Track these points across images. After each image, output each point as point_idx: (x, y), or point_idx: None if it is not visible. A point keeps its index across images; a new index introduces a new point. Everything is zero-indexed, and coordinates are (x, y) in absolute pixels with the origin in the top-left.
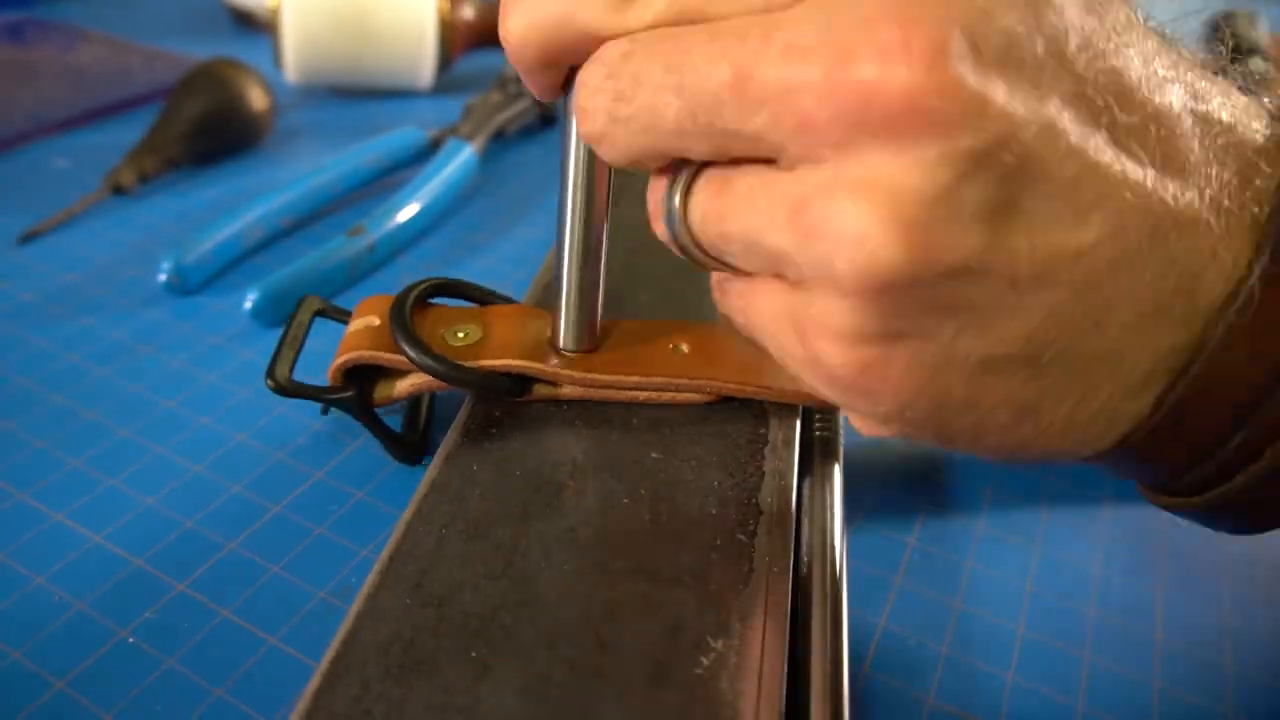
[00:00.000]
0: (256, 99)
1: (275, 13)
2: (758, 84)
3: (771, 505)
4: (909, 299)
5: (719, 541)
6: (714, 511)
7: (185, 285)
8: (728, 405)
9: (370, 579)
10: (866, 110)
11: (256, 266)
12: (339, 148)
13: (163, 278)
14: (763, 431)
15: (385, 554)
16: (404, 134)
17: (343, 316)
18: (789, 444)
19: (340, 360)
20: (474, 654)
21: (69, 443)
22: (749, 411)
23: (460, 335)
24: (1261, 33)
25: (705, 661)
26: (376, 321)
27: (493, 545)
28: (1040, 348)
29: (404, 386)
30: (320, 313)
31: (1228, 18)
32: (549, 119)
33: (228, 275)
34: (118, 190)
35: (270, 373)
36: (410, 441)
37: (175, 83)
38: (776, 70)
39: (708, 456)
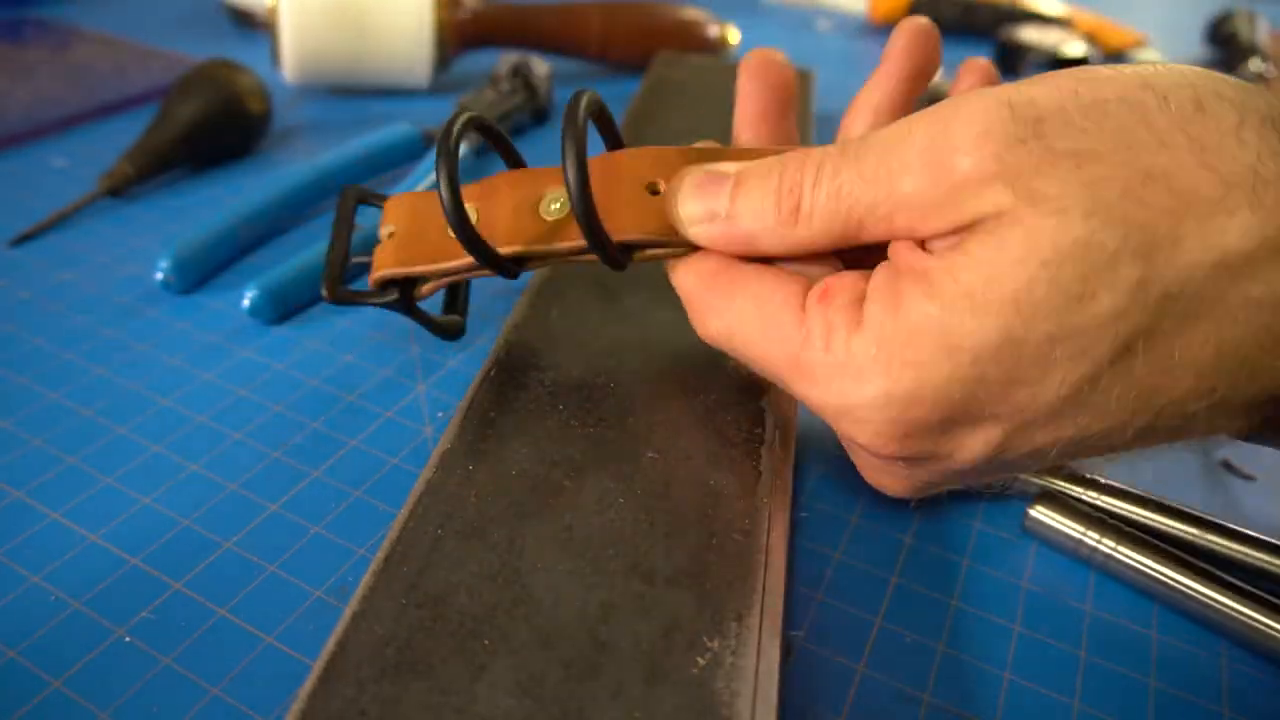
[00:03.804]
0: (253, 101)
1: (273, 12)
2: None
3: (767, 504)
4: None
5: (715, 541)
6: (710, 511)
7: (182, 284)
8: (725, 404)
9: (366, 579)
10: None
11: (253, 265)
12: (337, 148)
13: (159, 276)
14: (759, 430)
15: (381, 554)
16: (397, 130)
17: (381, 201)
18: (786, 443)
19: (375, 277)
20: (469, 654)
21: (65, 441)
22: (746, 410)
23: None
24: (1261, 33)
25: (701, 661)
26: (394, 229)
27: (488, 545)
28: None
29: (429, 286)
30: (362, 200)
31: (1228, 18)
32: (541, 116)
33: (224, 274)
34: (111, 193)
35: (325, 286)
36: (452, 323)
37: (173, 83)
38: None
39: (704, 456)
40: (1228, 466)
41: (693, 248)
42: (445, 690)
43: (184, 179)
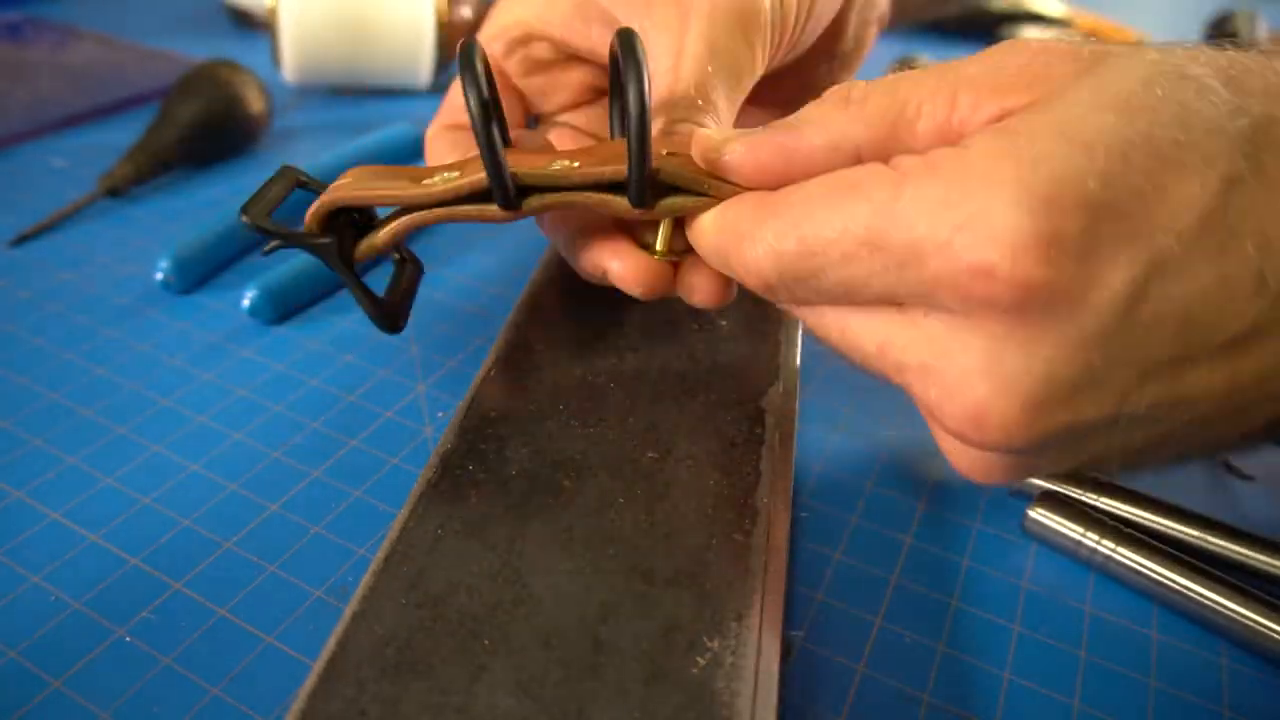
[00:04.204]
0: (253, 101)
1: (273, 12)
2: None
3: (768, 505)
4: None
5: (715, 541)
6: (710, 511)
7: (182, 284)
8: (725, 404)
9: (366, 579)
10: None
11: (253, 265)
12: (336, 148)
13: (159, 276)
14: (759, 431)
15: (381, 554)
16: (396, 131)
17: (323, 188)
18: (786, 443)
19: (319, 203)
20: (469, 654)
21: (66, 441)
22: (746, 410)
23: (445, 176)
24: (1261, 33)
25: (701, 661)
26: (351, 177)
27: (488, 545)
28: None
29: (385, 234)
30: (301, 185)
31: (1228, 18)
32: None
33: (224, 274)
34: (112, 193)
35: (245, 208)
36: (391, 304)
37: (173, 83)
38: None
39: (704, 456)
40: (1228, 467)
41: (715, 203)
42: (445, 690)
43: (184, 179)
